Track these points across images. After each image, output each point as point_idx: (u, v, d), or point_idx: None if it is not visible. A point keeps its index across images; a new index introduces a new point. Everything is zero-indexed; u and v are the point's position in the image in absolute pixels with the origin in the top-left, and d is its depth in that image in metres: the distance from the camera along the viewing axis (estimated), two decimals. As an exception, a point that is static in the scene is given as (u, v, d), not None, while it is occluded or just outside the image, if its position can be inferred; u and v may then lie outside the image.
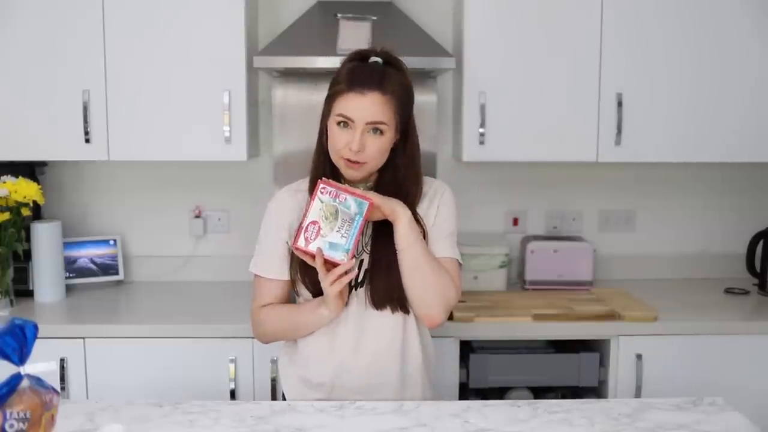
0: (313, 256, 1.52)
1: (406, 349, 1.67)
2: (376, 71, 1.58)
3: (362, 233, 1.55)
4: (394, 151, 1.63)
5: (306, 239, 1.52)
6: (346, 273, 1.52)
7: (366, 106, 1.55)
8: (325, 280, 1.52)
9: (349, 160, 1.57)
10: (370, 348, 1.63)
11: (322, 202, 1.52)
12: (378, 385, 1.65)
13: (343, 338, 1.63)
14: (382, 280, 1.61)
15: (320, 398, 1.65)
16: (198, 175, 2.83)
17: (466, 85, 2.48)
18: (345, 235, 1.52)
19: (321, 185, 1.53)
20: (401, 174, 1.65)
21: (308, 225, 1.52)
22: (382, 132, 1.57)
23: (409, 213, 1.57)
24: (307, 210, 1.53)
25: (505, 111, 2.48)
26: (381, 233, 1.61)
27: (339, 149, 1.58)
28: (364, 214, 1.52)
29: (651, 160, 2.56)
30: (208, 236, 2.86)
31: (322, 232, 1.51)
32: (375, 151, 1.58)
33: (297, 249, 1.54)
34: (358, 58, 1.62)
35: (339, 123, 1.57)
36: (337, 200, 1.51)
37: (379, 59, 1.60)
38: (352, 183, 1.64)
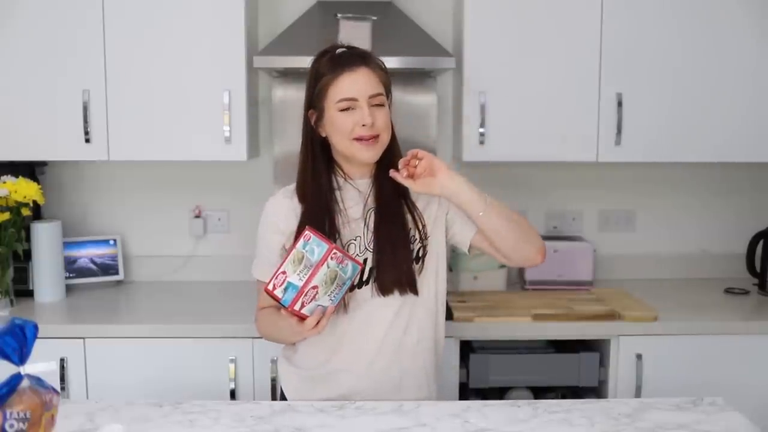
0: (302, 318, 1.49)
1: (414, 340, 1.65)
2: (355, 53, 1.62)
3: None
4: None
5: (303, 303, 1.46)
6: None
7: (362, 81, 1.58)
8: (297, 329, 1.51)
9: (363, 139, 1.57)
10: (375, 341, 1.62)
11: (328, 267, 1.46)
12: (382, 381, 1.63)
13: (347, 336, 1.62)
14: (388, 267, 1.60)
15: (321, 397, 1.63)
16: (198, 175, 2.83)
17: (466, 85, 2.48)
18: (333, 298, 1.50)
19: (333, 250, 1.45)
20: (391, 156, 1.65)
21: (309, 290, 1.45)
22: (382, 103, 1.60)
23: (461, 178, 1.58)
24: (312, 274, 1.44)
25: (505, 111, 2.48)
26: (382, 224, 1.62)
27: (350, 131, 1.58)
28: (353, 278, 1.52)
29: (651, 160, 2.56)
30: (208, 236, 2.86)
31: (317, 296, 1.47)
32: (383, 122, 1.59)
33: (292, 312, 1.47)
34: (329, 52, 1.62)
35: (342, 109, 1.57)
36: (340, 265, 1.47)
37: (344, 49, 1.63)
38: (362, 169, 1.65)
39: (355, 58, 1.60)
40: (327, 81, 1.58)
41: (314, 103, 1.62)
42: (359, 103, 1.57)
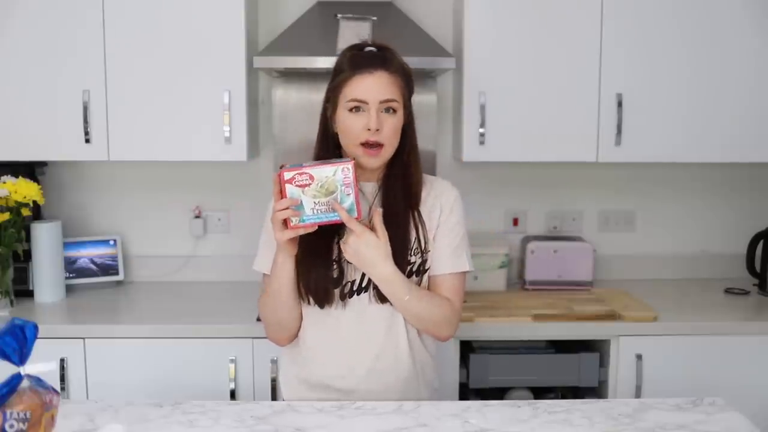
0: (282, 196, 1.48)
1: (411, 347, 1.65)
2: (377, 54, 1.60)
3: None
4: (401, 139, 1.62)
5: (294, 179, 1.47)
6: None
7: (376, 85, 1.55)
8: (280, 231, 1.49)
9: (367, 145, 1.56)
10: (374, 347, 1.62)
11: (334, 175, 1.47)
12: (380, 386, 1.63)
13: (347, 337, 1.62)
14: None
15: (319, 398, 1.63)
16: (198, 175, 2.83)
17: (466, 85, 2.48)
18: (315, 211, 1.48)
19: (350, 164, 1.47)
20: (406, 164, 1.63)
21: (305, 170, 1.47)
22: (394, 110, 1.57)
23: (389, 269, 1.55)
24: (317, 165, 1.48)
25: (505, 111, 2.48)
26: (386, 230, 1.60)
27: (356, 134, 1.56)
28: (342, 214, 1.49)
29: (651, 160, 2.56)
30: (208, 236, 2.86)
31: (306, 189, 1.47)
32: (390, 130, 1.56)
33: (283, 180, 1.47)
34: (355, 49, 1.62)
35: (351, 109, 1.56)
36: (343, 186, 1.48)
37: (374, 48, 1.61)
38: (367, 174, 1.62)
39: (375, 59, 1.58)
40: (343, 78, 1.57)
41: (330, 96, 1.62)
42: (368, 106, 1.55)
